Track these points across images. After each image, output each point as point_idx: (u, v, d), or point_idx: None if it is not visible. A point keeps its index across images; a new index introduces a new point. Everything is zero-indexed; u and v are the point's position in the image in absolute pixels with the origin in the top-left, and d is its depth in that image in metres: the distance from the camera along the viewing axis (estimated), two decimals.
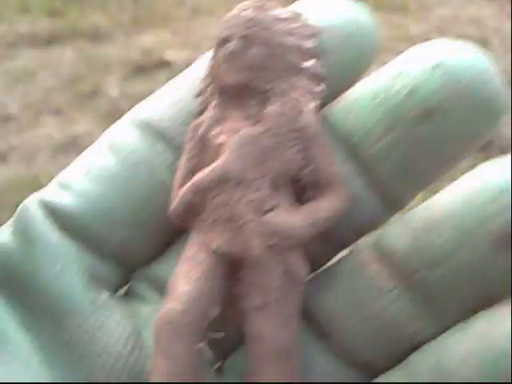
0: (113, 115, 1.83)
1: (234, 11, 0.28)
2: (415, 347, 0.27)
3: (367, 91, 0.28)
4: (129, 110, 0.31)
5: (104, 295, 0.29)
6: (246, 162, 0.27)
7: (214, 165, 0.27)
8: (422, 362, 0.27)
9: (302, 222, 0.27)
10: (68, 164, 0.30)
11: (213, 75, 0.29)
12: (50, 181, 0.30)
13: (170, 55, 2.05)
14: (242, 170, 0.27)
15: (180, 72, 0.30)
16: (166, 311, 0.26)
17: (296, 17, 0.29)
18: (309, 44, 0.28)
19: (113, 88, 1.94)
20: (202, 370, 0.27)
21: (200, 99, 0.29)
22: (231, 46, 0.27)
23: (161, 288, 0.29)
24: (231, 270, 0.27)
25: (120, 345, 0.28)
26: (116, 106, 1.82)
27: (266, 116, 0.27)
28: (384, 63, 0.28)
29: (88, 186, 0.28)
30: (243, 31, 0.27)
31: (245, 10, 0.28)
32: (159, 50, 2.11)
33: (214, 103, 0.28)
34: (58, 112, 1.86)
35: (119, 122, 0.31)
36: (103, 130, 0.31)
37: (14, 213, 0.29)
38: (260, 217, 0.26)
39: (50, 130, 1.78)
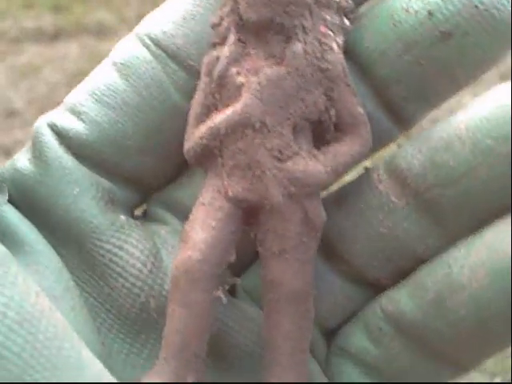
0: None
1: None
2: (422, 263, 0.28)
3: (384, 11, 0.27)
4: None
5: (122, 217, 0.29)
6: (267, 106, 0.26)
7: (233, 108, 0.26)
8: (429, 276, 0.27)
9: (322, 169, 0.26)
10: None
11: (232, 7, 0.27)
12: None
13: None
14: (262, 115, 0.26)
15: None
16: (183, 260, 0.26)
17: None
18: None
19: None
20: (215, 318, 0.27)
21: (216, 30, 0.28)
22: None
23: (177, 211, 0.30)
24: (248, 216, 0.27)
25: (140, 264, 0.28)
26: None
27: (290, 55, 0.26)
28: None
29: (99, 114, 0.28)
30: None
31: None
32: None
33: (232, 38, 0.27)
34: None
35: (127, 38, 0.29)
36: None
37: None
38: (280, 164, 0.26)
39: None
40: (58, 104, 0.30)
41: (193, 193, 0.29)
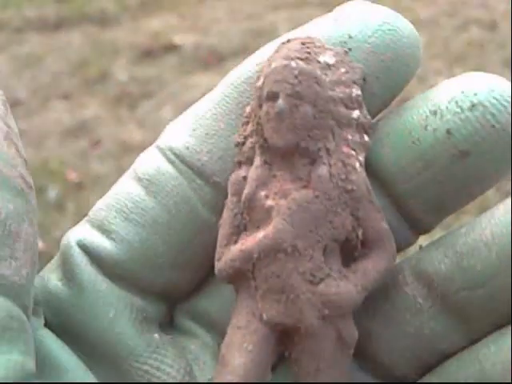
0: (121, 99, 1.83)
1: (282, 60, 0.26)
2: (447, 358, 0.28)
3: (401, 127, 0.28)
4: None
5: (156, 335, 0.29)
6: (297, 230, 0.26)
7: (264, 232, 0.27)
8: (460, 373, 0.28)
9: (354, 289, 0.27)
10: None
11: (255, 127, 0.27)
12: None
13: (178, 39, 2.05)
14: (294, 240, 0.26)
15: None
16: None
17: (342, 58, 0.28)
18: (356, 91, 0.27)
19: (121, 72, 1.94)
20: None
21: (240, 149, 0.28)
22: (280, 104, 0.26)
23: (204, 322, 0.30)
24: (283, 336, 0.27)
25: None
26: (124, 89, 1.81)
27: (316, 179, 0.27)
28: None
29: (129, 233, 0.29)
30: (292, 88, 0.26)
31: (292, 58, 0.26)
32: (167, 34, 2.11)
33: (258, 160, 0.27)
34: (66, 96, 1.87)
35: (150, 151, 0.30)
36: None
37: None
38: (313, 288, 0.26)
39: (59, 114, 1.78)
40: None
41: (219, 303, 0.29)
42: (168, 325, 0.31)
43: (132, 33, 2.18)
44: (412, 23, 0.28)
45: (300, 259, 0.26)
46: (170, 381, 0.29)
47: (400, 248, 0.29)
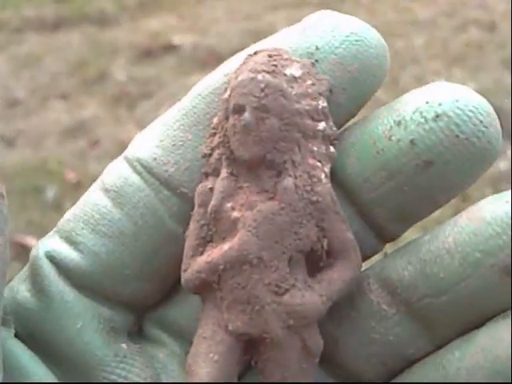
0: (120, 99, 1.83)
1: (249, 73, 0.27)
2: (412, 363, 0.29)
3: (366, 137, 0.28)
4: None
5: (124, 345, 0.30)
6: (263, 241, 0.27)
7: (230, 244, 0.27)
8: (425, 377, 0.28)
9: (319, 300, 0.27)
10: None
11: (222, 139, 0.28)
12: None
13: (177, 39, 2.05)
14: (259, 251, 0.27)
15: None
16: None
17: (309, 70, 0.28)
18: (322, 103, 0.28)
19: (120, 72, 1.94)
20: None
21: (207, 160, 0.28)
22: (246, 117, 0.27)
23: (172, 331, 0.30)
24: (248, 346, 0.28)
25: None
26: (123, 90, 1.81)
27: (281, 191, 0.27)
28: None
29: (96, 244, 0.29)
30: (258, 101, 0.26)
31: (259, 71, 0.27)
32: (166, 34, 2.11)
33: (224, 172, 0.28)
34: (65, 96, 1.86)
35: (117, 162, 0.30)
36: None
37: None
38: (278, 299, 0.27)
39: (58, 114, 1.78)
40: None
41: (187, 312, 0.30)
42: (136, 334, 0.31)
43: (131, 33, 2.17)
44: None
45: (265, 270, 0.27)
46: None
47: (366, 256, 0.29)
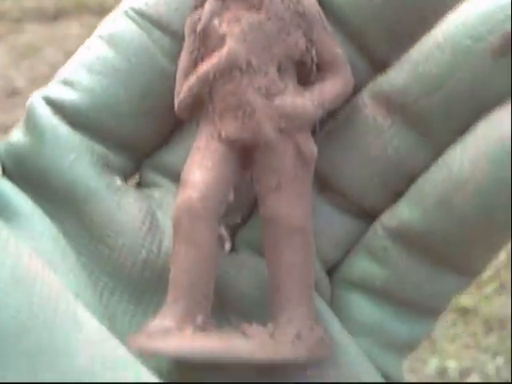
0: None
1: None
2: (415, 181, 0.28)
3: None
4: None
5: (118, 181, 0.30)
6: (250, 48, 0.27)
7: (218, 54, 0.27)
8: (429, 183, 0.28)
9: (310, 103, 0.27)
10: None
11: None
12: None
13: None
14: (247, 56, 0.27)
15: None
16: (184, 199, 0.27)
17: None
18: None
19: None
20: (218, 256, 0.27)
21: None
22: None
23: (169, 174, 0.30)
24: (243, 156, 0.28)
25: (138, 223, 0.29)
26: None
27: (267, 2, 0.27)
28: None
29: (91, 81, 0.29)
30: None
31: None
32: None
33: None
34: None
35: (112, 14, 0.30)
36: None
37: None
38: (269, 102, 0.27)
39: None
40: None
41: (184, 155, 0.29)
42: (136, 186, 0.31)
43: None
44: None
45: (255, 75, 0.27)
46: (131, 219, 0.29)
47: (359, 83, 0.29)
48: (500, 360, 1.19)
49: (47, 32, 2.20)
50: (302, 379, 0.28)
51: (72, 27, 2.21)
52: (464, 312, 1.27)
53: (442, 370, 1.19)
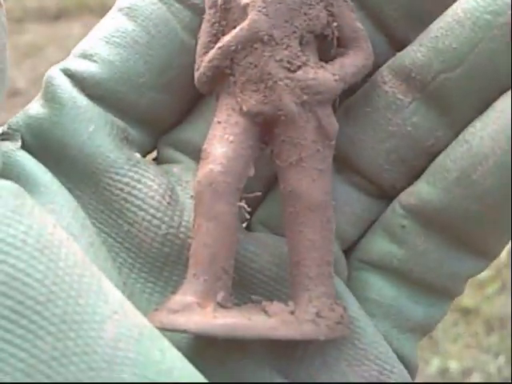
0: None
1: None
2: (434, 159, 0.28)
3: None
4: None
5: (137, 155, 0.29)
6: (273, 20, 0.26)
7: (240, 26, 0.27)
8: (448, 158, 0.27)
9: (331, 77, 0.27)
10: None
11: None
12: None
13: None
14: (269, 29, 0.26)
15: None
16: (206, 173, 0.27)
17: None
18: None
19: None
20: (237, 231, 0.27)
21: None
22: None
23: (187, 151, 0.30)
24: (264, 130, 0.27)
25: (158, 197, 0.28)
26: None
27: None
28: None
29: (111, 54, 0.29)
30: None
31: None
32: None
33: None
34: None
35: None
36: None
37: None
38: (290, 74, 0.26)
39: None
40: None
41: (202, 131, 0.29)
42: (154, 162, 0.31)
43: None
44: None
45: (276, 48, 0.27)
46: (151, 193, 0.28)
47: (377, 61, 0.29)
48: (501, 359, 1.19)
49: (49, 32, 2.20)
50: (319, 359, 0.27)
51: (74, 27, 2.21)
52: (465, 312, 1.27)
53: (444, 370, 1.19)
